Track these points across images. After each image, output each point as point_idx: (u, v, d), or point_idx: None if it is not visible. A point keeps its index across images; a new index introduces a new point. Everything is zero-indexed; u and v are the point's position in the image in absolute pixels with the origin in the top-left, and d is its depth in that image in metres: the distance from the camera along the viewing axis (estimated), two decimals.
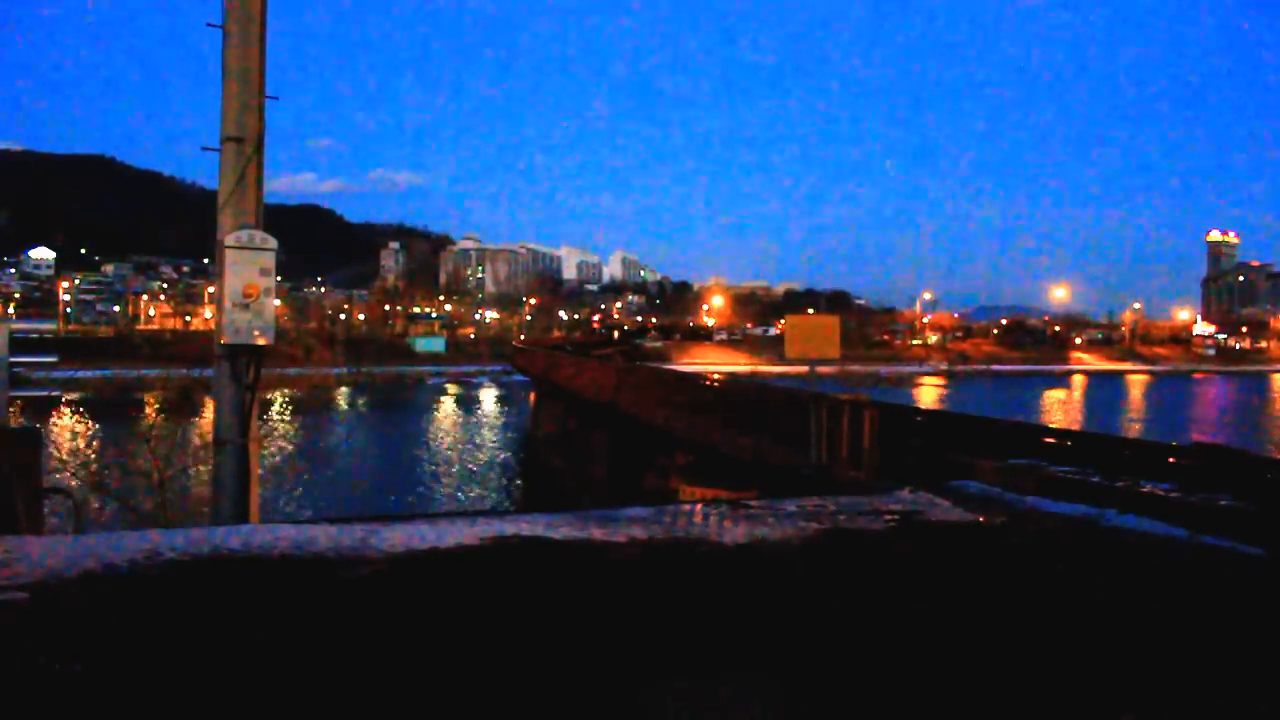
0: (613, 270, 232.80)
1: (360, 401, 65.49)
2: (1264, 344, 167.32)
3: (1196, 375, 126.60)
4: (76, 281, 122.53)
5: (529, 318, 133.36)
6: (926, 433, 13.67)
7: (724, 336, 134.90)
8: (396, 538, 5.11)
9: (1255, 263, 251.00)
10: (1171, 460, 9.58)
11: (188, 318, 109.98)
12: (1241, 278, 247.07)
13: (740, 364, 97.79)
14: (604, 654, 3.39)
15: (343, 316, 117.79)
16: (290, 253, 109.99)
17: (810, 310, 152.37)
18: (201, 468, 14.62)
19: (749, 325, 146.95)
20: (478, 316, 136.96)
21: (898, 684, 3.19)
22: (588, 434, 27.52)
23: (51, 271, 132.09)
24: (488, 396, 71.26)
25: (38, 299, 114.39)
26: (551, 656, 3.32)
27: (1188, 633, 3.94)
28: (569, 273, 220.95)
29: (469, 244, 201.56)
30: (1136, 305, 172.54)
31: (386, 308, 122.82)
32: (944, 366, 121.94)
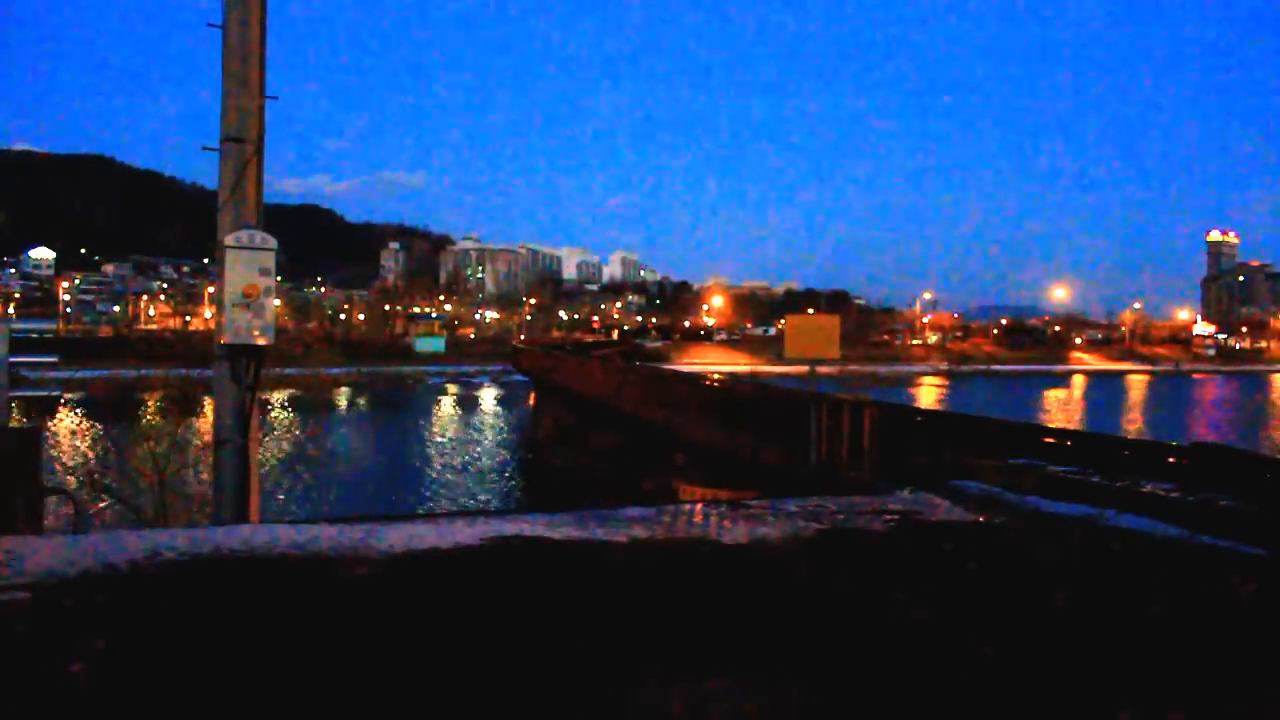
0: (613, 270, 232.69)
1: (361, 401, 65.47)
2: (1264, 344, 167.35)
3: (1196, 375, 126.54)
4: (76, 281, 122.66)
5: (529, 318, 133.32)
6: (926, 433, 13.66)
7: (724, 336, 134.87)
8: (397, 538, 5.11)
9: (1255, 263, 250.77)
10: (1171, 460, 9.57)
11: (188, 318, 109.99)
12: (1241, 278, 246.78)
13: (740, 364, 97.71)
14: (603, 653, 3.39)
15: (343, 316, 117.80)
16: (290, 253, 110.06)
17: (810, 310, 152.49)
18: (201, 467, 14.59)
19: (749, 325, 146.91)
20: (478, 316, 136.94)
21: (898, 683, 3.19)
22: (588, 434, 27.54)
23: (51, 271, 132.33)
24: (488, 396, 71.24)
25: (38, 299, 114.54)
26: (551, 656, 3.33)
27: (1187, 633, 3.94)
28: (569, 273, 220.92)
29: (469, 244, 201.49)
30: (1136, 305, 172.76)
31: (386, 308, 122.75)
32: (944, 366, 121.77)
